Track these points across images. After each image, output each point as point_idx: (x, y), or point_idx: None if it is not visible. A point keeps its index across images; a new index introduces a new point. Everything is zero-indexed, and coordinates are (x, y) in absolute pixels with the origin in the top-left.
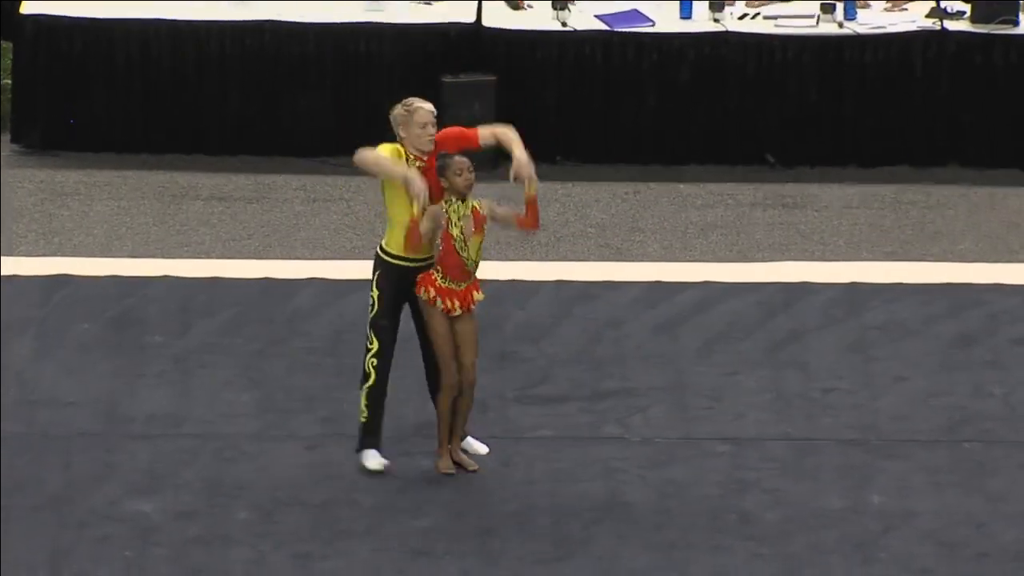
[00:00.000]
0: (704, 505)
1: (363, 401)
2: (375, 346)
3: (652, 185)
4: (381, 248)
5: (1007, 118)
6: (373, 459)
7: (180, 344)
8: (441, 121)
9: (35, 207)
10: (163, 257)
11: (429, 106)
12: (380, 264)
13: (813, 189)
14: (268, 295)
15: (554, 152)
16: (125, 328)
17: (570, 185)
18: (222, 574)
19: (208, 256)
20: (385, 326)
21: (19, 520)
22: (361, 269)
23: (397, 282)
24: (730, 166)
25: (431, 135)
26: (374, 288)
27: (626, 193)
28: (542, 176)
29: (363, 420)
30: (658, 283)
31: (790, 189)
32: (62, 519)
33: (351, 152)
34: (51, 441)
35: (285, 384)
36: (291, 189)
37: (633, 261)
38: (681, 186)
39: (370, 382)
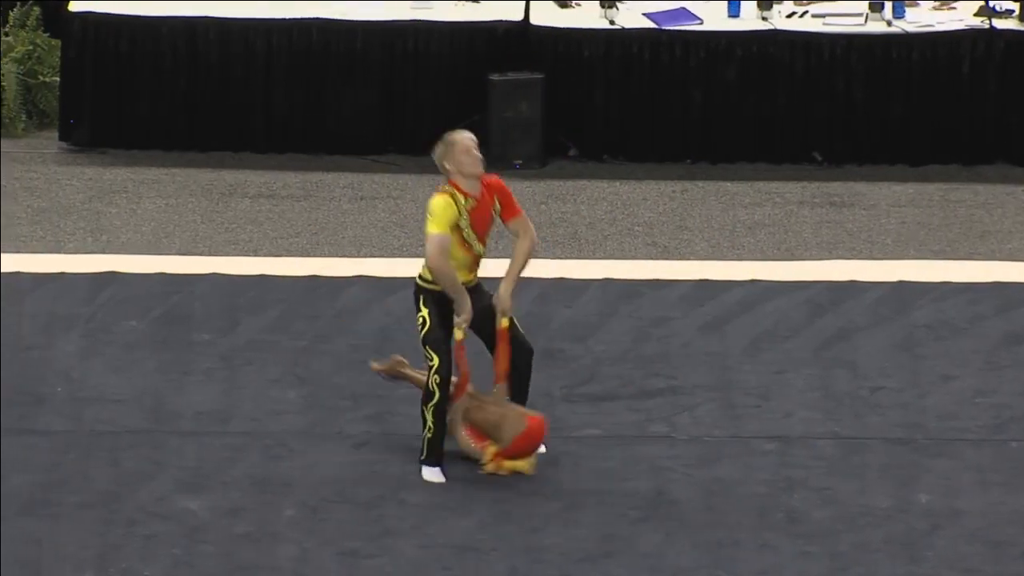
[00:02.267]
0: (751, 503)
1: (430, 417)
2: (435, 362)
3: (699, 183)
4: (420, 277)
5: None
6: (436, 475)
7: (227, 341)
8: (490, 120)
9: (83, 204)
10: (211, 255)
11: (467, 133)
12: (421, 291)
13: (861, 187)
14: (315, 293)
15: (601, 150)
16: (172, 325)
17: (617, 183)
18: (269, 571)
19: (255, 254)
20: (440, 337)
21: (67, 517)
22: (408, 267)
23: (442, 306)
24: (777, 164)
25: (477, 157)
26: (421, 308)
27: (673, 191)
28: (591, 174)
29: (429, 435)
30: (705, 281)
31: (838, 187)
32: (110, 516)
33: (399, 150)
34: (99, 438)
35: (332, 382)
36: (338, 187)
37: (680, 259)
38: (728, 184)
39: (435, 400)
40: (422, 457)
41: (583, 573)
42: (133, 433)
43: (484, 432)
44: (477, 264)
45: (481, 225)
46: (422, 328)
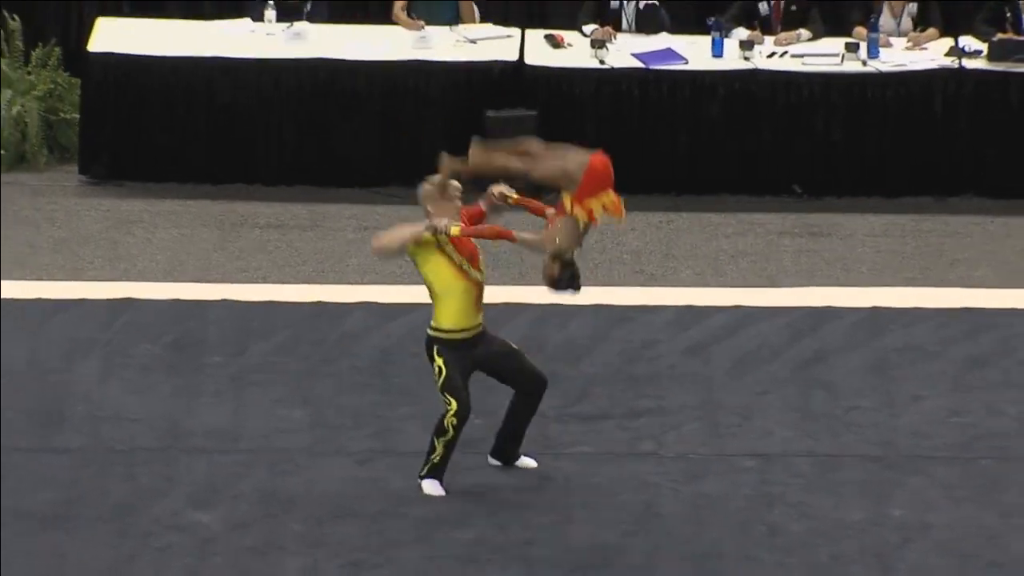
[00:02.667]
0: (734, 517)
1: (440, 448)
2: (453, 406)
3: (685, 214)
4: (432, 328)
5: (1021, 151)
6: (435, 488)
7: (237, 364)
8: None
9: (101, 234)
10: (222, 282)
11: (451, 182)
12: (435, 342)
13: (838, 218)
14: (320, 318)
15: None
16: (185, 349)
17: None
18: None
19: (264, 281)
20: (458, 384)
21: (85, 530)
22: (408, 293)
23: (456, 352)
24: (759, 196)
25: (456, 206)
26: (436, 358)
27: (660, 222)
28: None
29: (436, 460)
30: (690, 307)
31: (816, 218)
32: (126, 529)
33: (400, 183)
34: (115, 455)
35: (335, 402)
36: (343, 218)
37: (667, 286)
38: (712, 215)
39: (448, 436)
40: (422, 473)
41: None
42: (148, 451)
43: (557, 183)
44: (481, 294)
45: (467, 251)
46: (439, 377)
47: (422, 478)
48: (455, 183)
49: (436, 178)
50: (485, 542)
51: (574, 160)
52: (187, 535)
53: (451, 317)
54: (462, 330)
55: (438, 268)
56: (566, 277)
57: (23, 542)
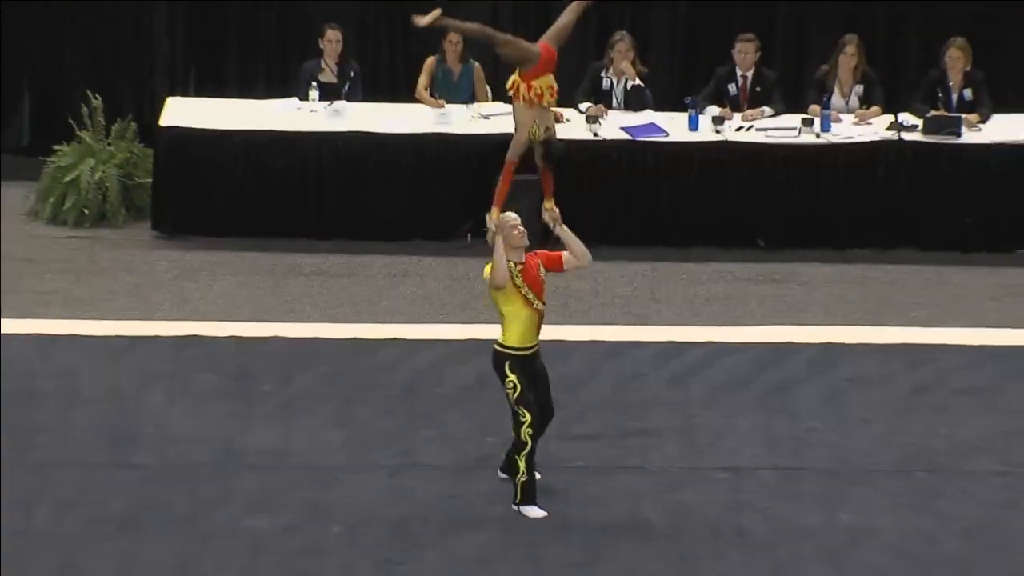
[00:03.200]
0: (707, 522)
1: (522, 465)
2: (527, 418)
3: (666, 264)
4: (501, 344)
5: (951, 210)
6: (537, 512)
7: (285, 392)
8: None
9: (170, 281)
10: (272, 321)
11: (513, 215)
12: (504, 357)
13: (796, 267)
14: (355, 353)
15: (588, 237)
16: (241, 379)
17: (600, 264)
18: None
19: (308, 321)
20: (531, 400)
21: (153, 534)
22: (432, 331)
23: (523, 366)
24: (728, 249)
25: (522, 232)
26: (509, 375)
27: (645, 270)
28: None
29: (523, 480)
30: (671, 343)
31: (777, 268)
32: (189, 534)
33: (424, 237)
34: (180, 470)
35: (368, 425)
36: (375, 267)
37: (651, 325)
38: (690, 265)
39: (527, 449)
40: (517, 500)
41: None
42: (208, 466)
43: (518, 59)
44: (541, 322)
45: (534, 284)
46: (514, 392)
47: (519, 505)
48: (515, 218)
49: (506, 215)
50: (495, 543)
51: (531, 48)
52: (242, 539)
53: (518, 337)
54: (526, 348)
55: (510, 297)
56: (554, 149)
57: (100, 545)
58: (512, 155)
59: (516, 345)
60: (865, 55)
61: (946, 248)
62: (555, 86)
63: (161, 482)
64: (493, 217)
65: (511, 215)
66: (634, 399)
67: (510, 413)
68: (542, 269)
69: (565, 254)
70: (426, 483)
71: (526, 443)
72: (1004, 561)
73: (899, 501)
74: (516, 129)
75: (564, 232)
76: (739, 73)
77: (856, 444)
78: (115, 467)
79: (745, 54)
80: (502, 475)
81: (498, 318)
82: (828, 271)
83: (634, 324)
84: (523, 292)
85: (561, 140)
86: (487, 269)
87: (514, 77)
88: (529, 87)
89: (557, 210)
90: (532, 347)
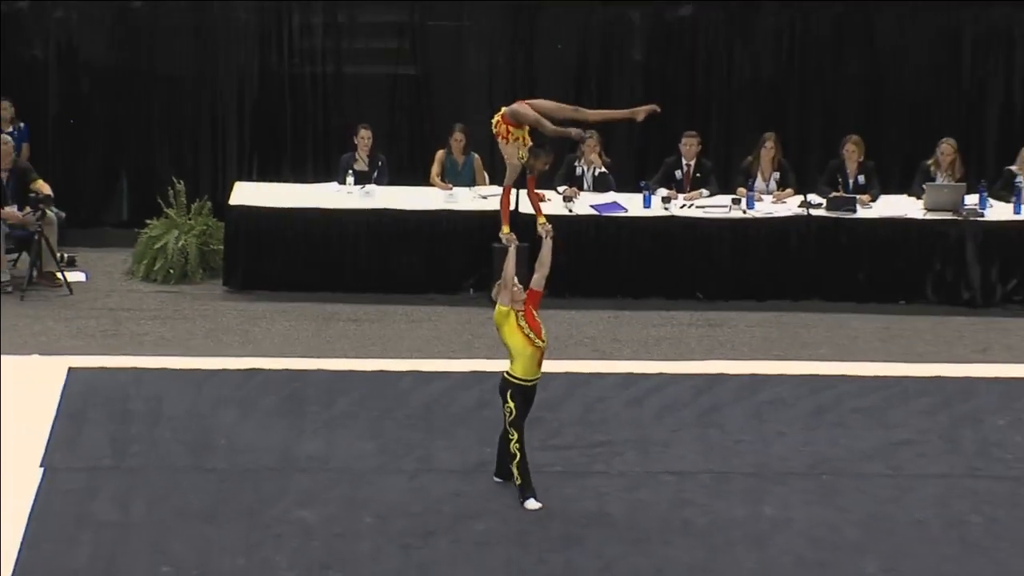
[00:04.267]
0: (658, 514)
1: (517, 472)
2: (515, 436)
3: (626, 312)
4: (509, 374)
5: (848, 270)
6: (534, 504)
7: (328, 412)
8: (493, 273)
9: (237, 326)
10: (318, 357)
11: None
12: (509, 385)
13: (727, 315)
14: (383, 382)
15: (564, 290)
16: (293, 401)
17: (572, 311)
18: (355, 558)
19: (345, 357)
20: (521, 425)
21: (225, 524)
22: (442, 365)
23: (523, 395)
24: (675, 300)
25: (520, 291)
26: (509, 402)
27: (609, 316)
28: (556, 306)
29: (520, 483)
30: (629, 374)
31: (712, 315)
32: (252, 522)
33: (437, 291)
34: (246, 473)
35: (394, 437)
36: (398, 314)
37: (613, 360)
38: (644, 312)
39: (518, 459)
40: (521, 499)
41: (553, 556)
42: (268, 469)
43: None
44: (542, 357)
45: (533, 325)
46: (511, 415)
47: (524, 500)
48: (518, 288)
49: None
50: (493, 530)
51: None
52: (295, 526)
53: (522, 370)
54: (529, 380)
55: (514, 336)
56: (541, 152)
57: (183, 532)
58: (508, 181)
59: (521, 376)
60: (781, 148)
61: (844, 299)
62: (528, 140)
63: (231, 482)
64: (504, 231)
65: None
66: (599, 417)
67: (502, 429)
68: (536, 313)
69: (535, 278)
70: (439, 483)
71: (515, 455)
72: (890, 543)
73: (809, 497)
74: (506, 161)
75: (547, 243)
76: (684, 162)
77: (775, 452)
78: (195, 470)
79: (689, 147)
80: (496, 479)
81: (506, 354)
82: (752, 317)
83: (599, 359)
84: (525, 332)
85: (540, 146)
86: (496, 313)
87: (497, 118)
88: (508, 131)
89: (549, 225)
90: (534, 380)
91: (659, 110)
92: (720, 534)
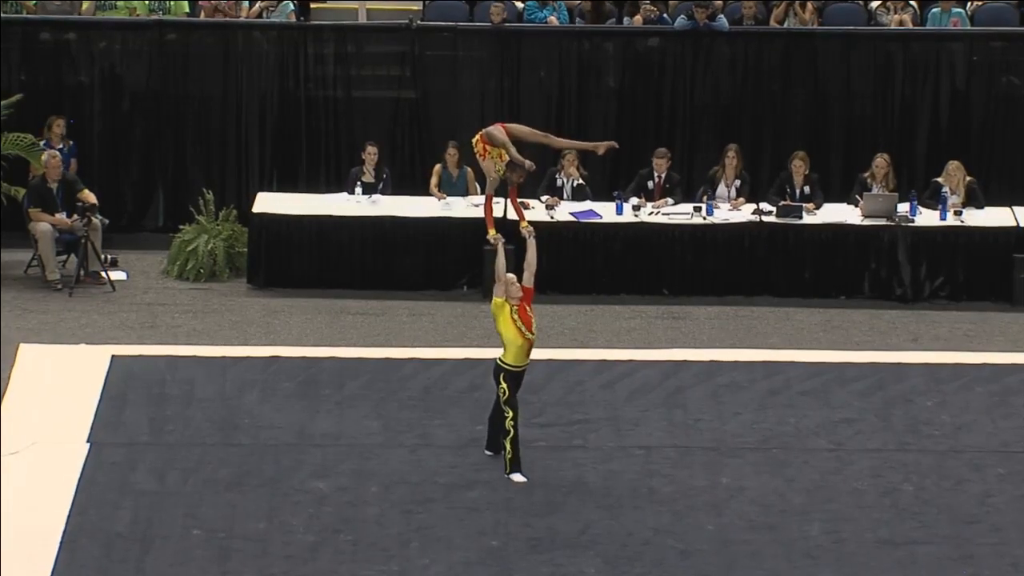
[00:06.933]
0: (628, 483)
1: (508, 448)
2: (511, 414)
3: (600, 306)
4: (501, 360)
5: (796, 269)
6: (520, 478)
7: (339, 394)
8: (484, 273)
9: (259, 319)
10: (330, 346)
11: (512, 276)
12: (501, 370)
13: (689, 308)
14: (387, 368)
15: (546, 287)
16: (309, 386)
17: (553, 305)
18: (363, 521)
19: (354, 345)
20: (515, 403)
21: (249, 492)
22: (439, 353)
23: (513, 379)
24: (643, 295)
25: (517, 287)
26: (502, 383)
27: (585, 310)
28: (538, 300)
29: (510, 457)
30: (604, 361)
31: (676, 309)
32: (273, 491)
33: (436, 288)
34: (267, 448)
35: (397, 416)
36: (400, 309)
37: (589, 348)
38: (616, 306)
39: (511, 435)
40: (507, 471)
41: (537, 521)
42: (286, 445)
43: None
44: (531, 347)
45: (525, 319)
46: (504, 395)
47: (509, 473)
48: (513, 277)
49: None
50: (483, 498)
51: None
52: (310, 495)
53: (513, 358)
54: (519, 367)
55: (507, 328)
56: (516, 167)
57: (213, 499)
58: (489, 190)
59: (512, 363)
60: (742, 158)
61: (791, 295)
62: (504, 156)
63: (254, 456)
64: (491, 233)
65: (512, 276)
66: (577, 399)
67: (492, 407)
68: (529, 309)
69: (525, 276)
70: (436, 457)
71: (509, 431)
72: (831, 510)
73: (760, 469)
74: (486, 174)
75: (532, 243)
76: (656, 174)
77: (730, 429)
78: (222, 446)
79: (660, 163)
80: (487, 452)
81: (496, 343)
82: (712, 311)
83: (577, 347)
84: (518, 325)
85: (517, 161)
86: (493, 304)
87: (476, 137)
88: (485, 149)
89: (532, 227)
90: (523, 367)
91: (616, 146)
92: (683, 501)
